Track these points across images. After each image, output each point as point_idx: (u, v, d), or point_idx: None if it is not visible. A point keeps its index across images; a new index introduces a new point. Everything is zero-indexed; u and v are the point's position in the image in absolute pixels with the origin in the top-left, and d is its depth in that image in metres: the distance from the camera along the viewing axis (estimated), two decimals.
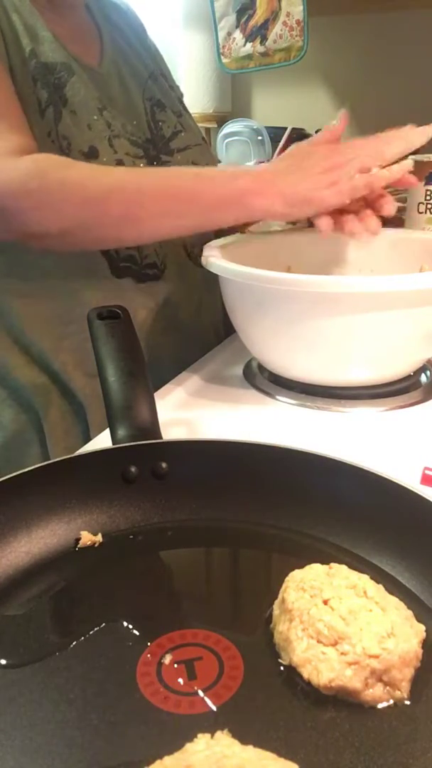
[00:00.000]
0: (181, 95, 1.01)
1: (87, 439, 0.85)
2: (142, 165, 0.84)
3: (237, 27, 1.50)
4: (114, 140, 0.81)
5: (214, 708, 0.37)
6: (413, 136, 0.74)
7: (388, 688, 0.37)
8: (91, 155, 0.78)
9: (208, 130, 1.78)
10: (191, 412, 0.73)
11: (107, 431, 0.57)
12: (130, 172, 0.75)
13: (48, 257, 0.79)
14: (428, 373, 0.81)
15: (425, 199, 0.97)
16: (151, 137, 0.88)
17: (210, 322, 0.96)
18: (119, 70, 0.88)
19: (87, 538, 0.50)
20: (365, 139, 0.75)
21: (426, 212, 0.97)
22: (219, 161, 1.06)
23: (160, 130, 0.90)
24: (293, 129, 1.42)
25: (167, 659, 0.40)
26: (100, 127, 0.80)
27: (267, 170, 0.75)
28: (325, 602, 0.40)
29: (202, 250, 0.90)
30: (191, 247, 0.91)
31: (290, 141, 1.37)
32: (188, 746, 0.32)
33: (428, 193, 0.96)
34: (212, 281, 0.92)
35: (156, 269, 0.86)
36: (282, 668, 0.39)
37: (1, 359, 0.83)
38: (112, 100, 0.84)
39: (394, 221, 0.77)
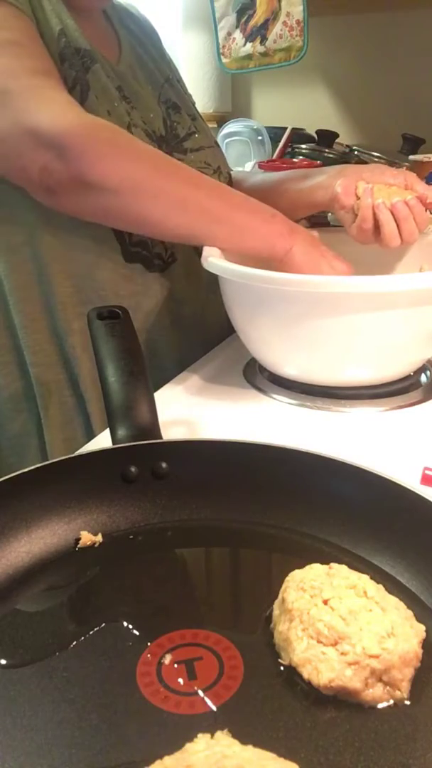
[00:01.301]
0: (193, 103, 1.02)
1: (88, 430, 0.86)
2: None
3: (237, 27, 1.50)
4: (132, 129, 0.82)
5: (214, 708, 0.37)
6: None
7: (388, 688, 0.37)
8: None
9: None
10: (191, 412, 0.73)
11: (107, 431, 0.57)
12: (186, 167, 0.76)
13: (61, 237, 0.79)
14: (428, 373, 0.81)
15: None
16: (165, 135, 0.89)
17: (215, 322, 0.96)
18: (135, 73, 0.89)
19: (87, 538, 0.50)
20: None
21: (426, 212, 0.97)
22: (231, 170, 1.06)
23: (175, 130, 0.91)
24: (293, 129, 1.42)
25: (167, 659, 0.40)
26: (120, 113, 0.81)
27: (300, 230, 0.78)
28: (325, 602, 0.40)
29: None
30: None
31: (290, 141, 1.37)
32: (188, 746, 0.32)
33: None
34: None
35: (161, 260, 0.86)
36: (282, 668, 0.39)
37: (22, 336, 0.84)
38: (131, 92, 0.85)
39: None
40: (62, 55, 0.77)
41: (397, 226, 0.79)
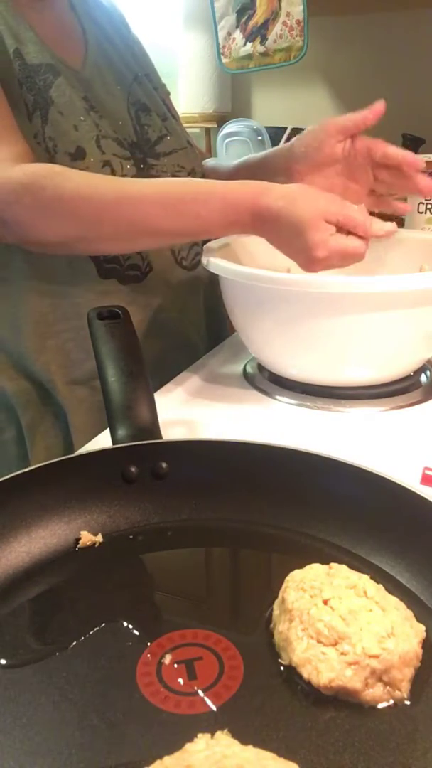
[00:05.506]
0: (167, 94, 0.98)
1: (68, 440, 0.86)
2: (129, 166, 0.83)
3: (237, 27, 1.50)
4: (102, 140, 0.81)
5: (214, 708, 0.37)
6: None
7: (388, 688, 0.37)
8: (77, 156, 0.78)
9: (208, 130, 1.78)
10: (191, 412, 0.73)
11: (107, 431, 0.57)
12: (126, 188, 0.74)
13: (34, 260, 0.80)
14: (428, 373, 0.81)
15: (425, 199, 0.97)
16: (137, 141, 0.86)
17: (192, 323, 0.95)
18: (103, 74, 0.86)
19: (87, 538, 0.50)
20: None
21: (426, 212, 0.98)
22: (218, 163, 1.04)
23: (146, 134, 0.88)
24: (293, 129, 1.42)
25: (167, 659, 0.40)
26: (87, 127, 0.80)
27: (267, 213, 0.69)
28: (325, 602, 0.40)
29: (189, 254, 0.90)
30: (179, 251, 0.90)
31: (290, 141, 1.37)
32: (188, 746, 0.32)
33: None
34: (196, 283, 0.92)
35: (138, 271, 0.86)
36: (282, 668, 0.39)
37: None
38: (98, 101, 0.83)
39: (394, 221, 0.77)
40: (19, 79, 0.76)
41: None
